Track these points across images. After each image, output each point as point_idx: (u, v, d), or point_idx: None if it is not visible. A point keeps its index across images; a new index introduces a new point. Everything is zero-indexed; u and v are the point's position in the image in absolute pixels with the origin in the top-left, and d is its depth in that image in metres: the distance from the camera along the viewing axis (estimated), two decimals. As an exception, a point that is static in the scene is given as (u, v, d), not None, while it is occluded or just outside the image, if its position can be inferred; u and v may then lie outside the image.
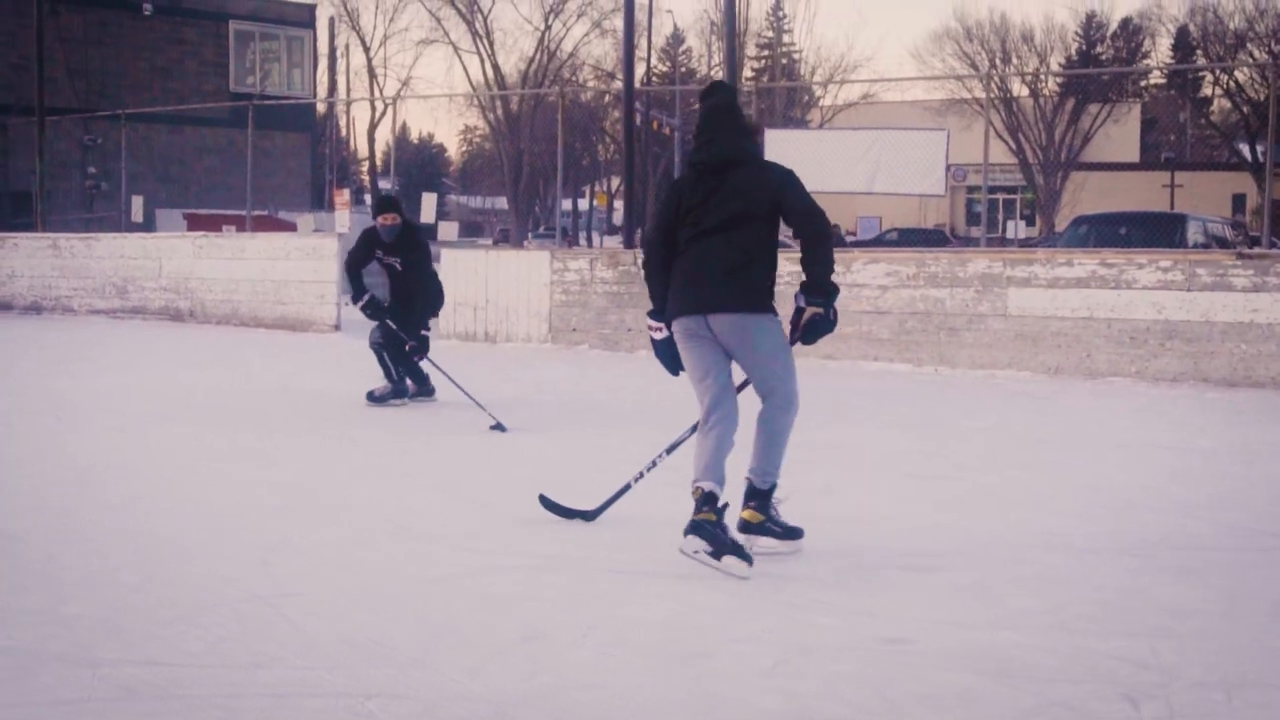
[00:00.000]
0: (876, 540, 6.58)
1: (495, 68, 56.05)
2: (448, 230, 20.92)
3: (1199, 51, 55.42)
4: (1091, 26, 63.34)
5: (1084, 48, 63.24)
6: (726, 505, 5.96)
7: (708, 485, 5.96)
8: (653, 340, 6.42)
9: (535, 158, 54.31)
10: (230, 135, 34.67)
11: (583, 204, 62.65)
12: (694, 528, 5.86)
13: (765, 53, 66.53)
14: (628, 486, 6.78)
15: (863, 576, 5.85)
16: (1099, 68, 60.92)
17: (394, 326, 11.03)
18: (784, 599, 5.49)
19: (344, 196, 22.65)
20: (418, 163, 77.41)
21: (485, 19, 55.84)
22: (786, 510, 6.34)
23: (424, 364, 11.20)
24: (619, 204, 57.87)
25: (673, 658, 4.73)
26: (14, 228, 26.02)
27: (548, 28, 56.30)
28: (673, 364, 6.37)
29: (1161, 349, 13.04)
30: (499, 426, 9.82)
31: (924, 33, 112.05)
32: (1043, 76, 54.15)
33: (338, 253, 18.87)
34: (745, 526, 6.16)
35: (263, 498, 7.46)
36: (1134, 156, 59.12)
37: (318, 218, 25.30)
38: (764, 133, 17.98)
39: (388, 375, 11.23)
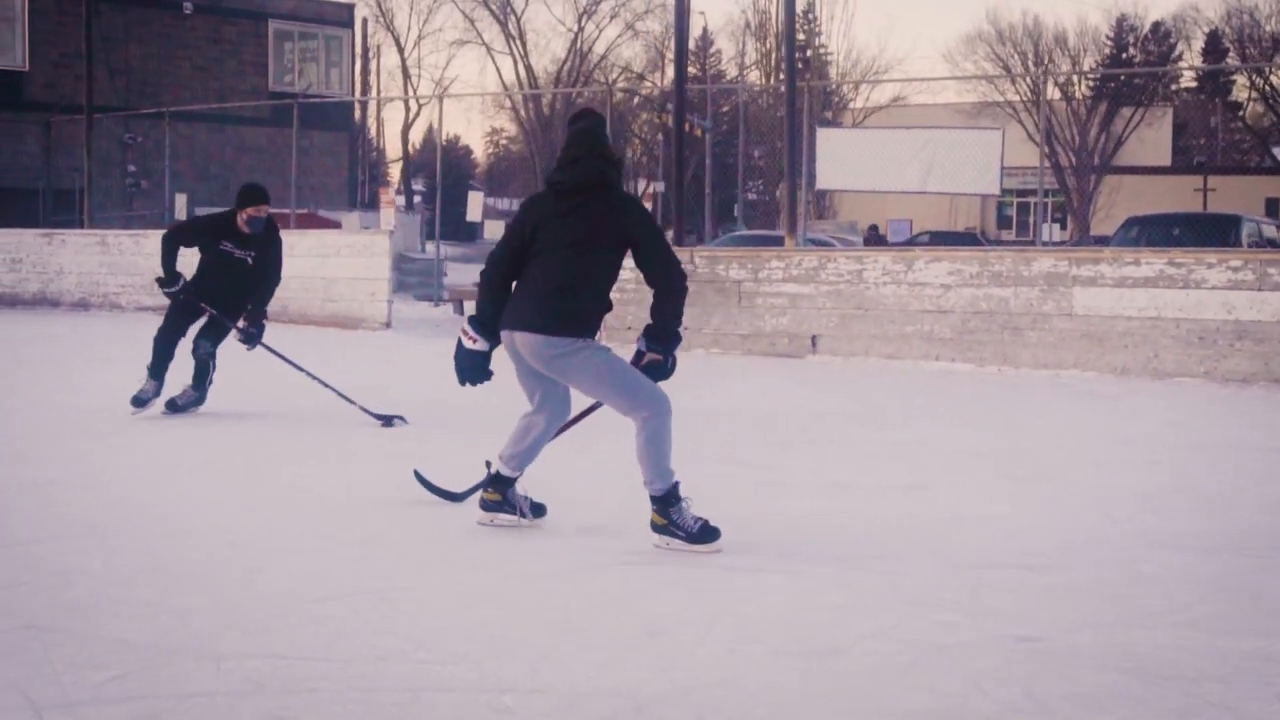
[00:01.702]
0: (984, 539, 6.46)
1: (528, 69, 56.05)
2: (494, 229, 20.88)
3: (1230, 55, 55.20)
4: (1123, 30, 63.03)
5: (1115, 51, 62.93)
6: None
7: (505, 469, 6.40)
8: (459, 343, 6.25)
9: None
10: (270, 134, 34.65)
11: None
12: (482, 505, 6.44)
13: (795, 54, 66.37)
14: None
15: (978, 575, 5.73)
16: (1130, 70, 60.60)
17: (216, 313, 10.10)
18: (903, 597, 5.38)
19: (389, 195, 22.61)
20: (444, 163, 77.47)
21: (518, 20, 55.90)
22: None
23: (266, 353, 10.23)
24: (647, 205, 57.85)
25: (804, 654, 4.63)
26: (56, 225, 26.03)
27: (580, 29, 56.29)
28: (468, 374, 6.27)
29: (1231, 349, 12.89)
30: (389, 420, 9.75)
31: (956, 35, 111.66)
32: (1075, 79, 53.93)
33: (389, 250, 18.81)
34: (654, 527, 6.11)
35: (352, 492, 7.37)
36: (1166, 160, 58.82)
37: (363, 216, 25.24)
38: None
39: (197, 383, 10.25)
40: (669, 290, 6.01)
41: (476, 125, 76.15)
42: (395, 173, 63.71)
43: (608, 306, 6.10)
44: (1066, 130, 52.83)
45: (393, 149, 64.32)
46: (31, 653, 4.55)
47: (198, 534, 6.26)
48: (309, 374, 10.25)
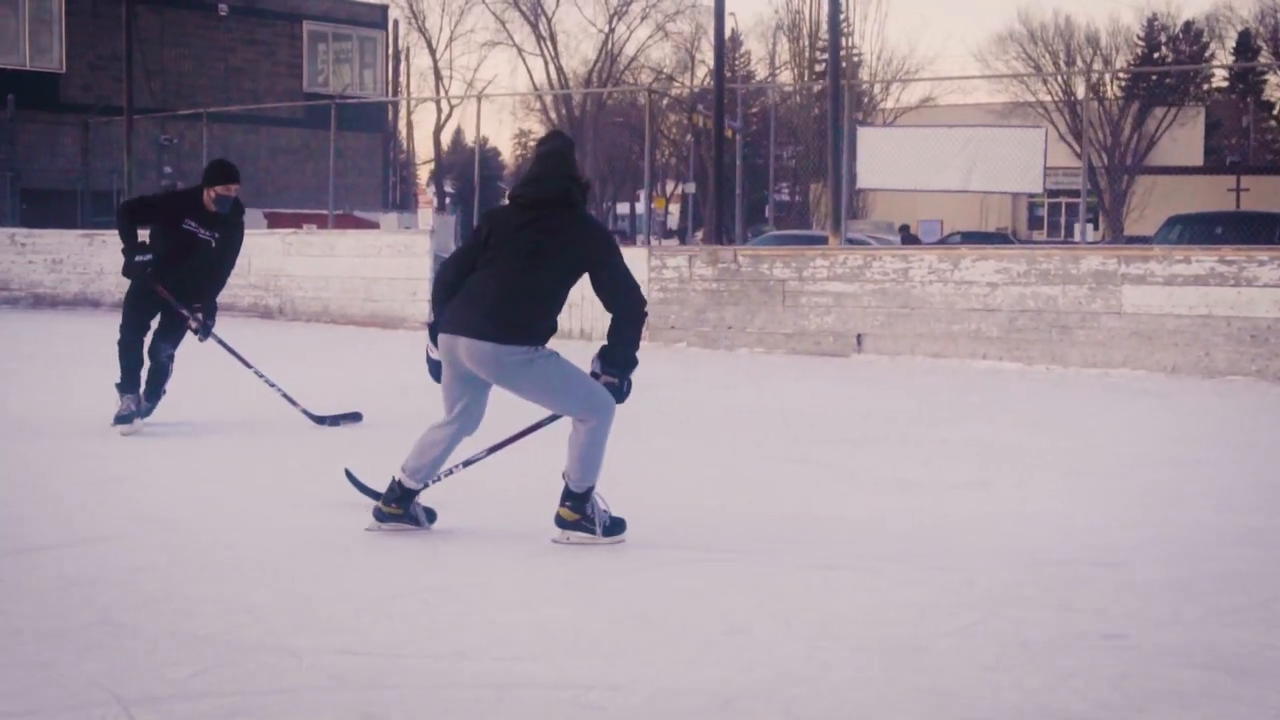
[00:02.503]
0: (1055, 536, 6.40)
1: (559, 70, 56.07)
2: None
3: (1262, 54, 54.84)
4: (1154, 29, 62.73)
5: (1146, 51, 62.65)
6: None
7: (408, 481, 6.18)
8: (428, 356, 6.16)
9: (597, 160, 54.22)
10: (304, 135, 34.71)
11: (635, 207, 62.53)
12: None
13: (824, 55, 66.27)
14: (450, 471, 6.42)
15: (1053, 572, 5.67)
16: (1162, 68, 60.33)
17: (173, 301, 9.32)
18: (980, 594, 5.31)
19: (429, 195, 22.60)
20: (473, 164, 77.50)
21: (549, 21, 55.93)
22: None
23: (216, 345, 9.65)
24: (674, 208, 57.82)
25: (886, 652, 4.58)
26: (94, 226, 26.07)
27: (611, 30, 56.27)
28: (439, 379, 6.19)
29: (1284, 347, 12.78)
30: (335, 421, 9.55)
31: (987, 35, 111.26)
32: (1107, 78, 53.65)
33: (429, 250, 18.78)
34: (561, 523, 6.04)
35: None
36: (1198, 160, 58.50)
37: (401, 217, 25.25)
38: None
39: (152, 389, 9.53)
40: (628, 317, 5.90)
41: (506, 127, 76.09)
42: (423, 174, 63.76)
43: (554, 327, 5.91)
44: (1099, 130, 52.60)
45: (423, 151, 64.39)
46: (110, 648, 4.53)
47: (263, 531, 6.22)
48: (256, 371, 9.75)
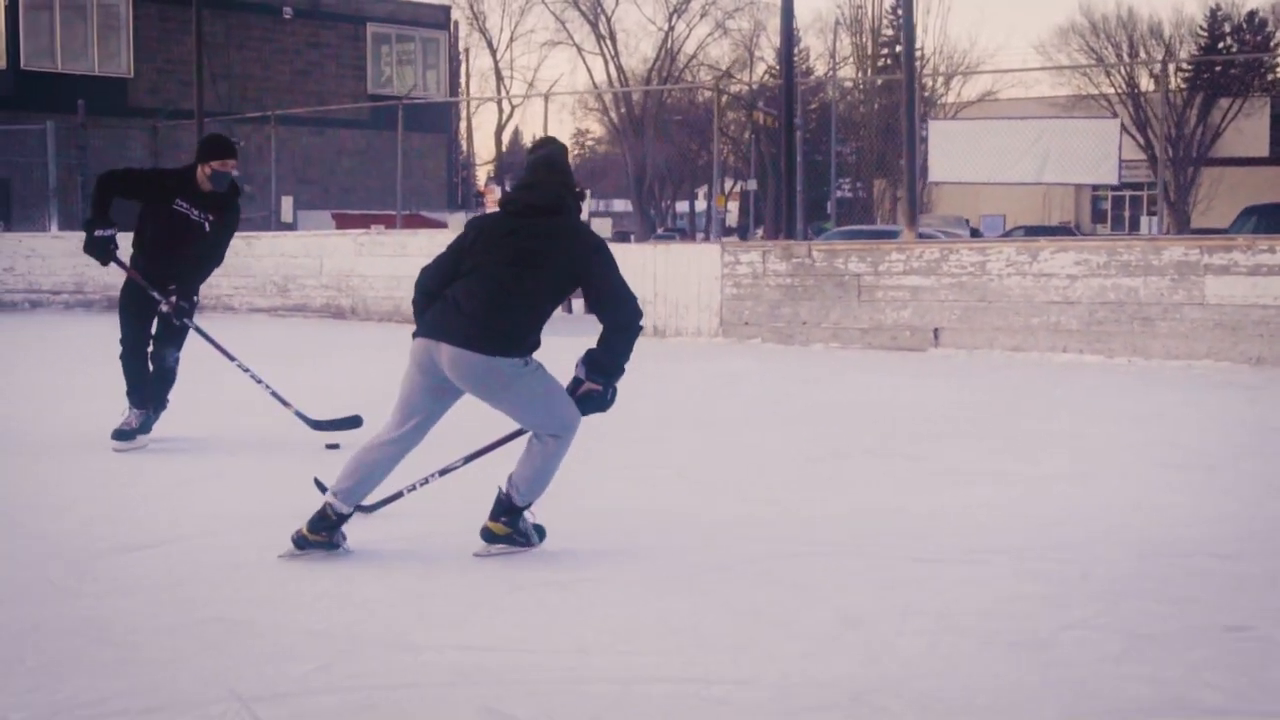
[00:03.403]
0: (1163, 528, 6.30)
1: (619, 69, 56.08)
2: (601, 227, 20.85)
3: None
4: (1217, 20, 62.04)
5: (1210, 42, 61.97)
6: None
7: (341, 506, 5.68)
8: None
9: (656, 159, 54.21)
10: (369, 137, 34.91)
11: (693, 206, 62.43)
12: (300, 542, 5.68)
13: (884, 50, 65.99)
14: (427, 480, 6.12)
15: (1168, 564, 5.59)
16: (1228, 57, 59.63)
17: (142, 283, 8.39)
18: (1097, 587, 5.25)
19: (495, 194, 22.63)
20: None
21: (609, 20, 55.92)
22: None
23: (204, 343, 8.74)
24: (732, 205, 57.70)
25: (1011, 645, 4.52)
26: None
27: (670, 28, 56.21)
28: None
29: (1372, 337, 12.59)
30: (330, 426, 8.65)
31: (1049, 28, 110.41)
32: (1171, 69, 53.13)
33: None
34: (490, 537, 5.72)
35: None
36: (1263, 151, 57.81)
37: (468, 217, 25.26)
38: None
39: (157, 398, 8.67)
40: (621, 327, 5.55)
41: (566, 126, 75.97)
42: (482, 175, 63.92)
43: (539, 341, 5.58)
44: (1163, 123, 52.08)
45: (483, 151, 64.59)
46: (226, 645, 4.53)
47: (367, 526, 6.20)
48: (242, 366, 8.81)
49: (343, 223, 27.32)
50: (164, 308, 8.34)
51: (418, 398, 5.61)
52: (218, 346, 8.77)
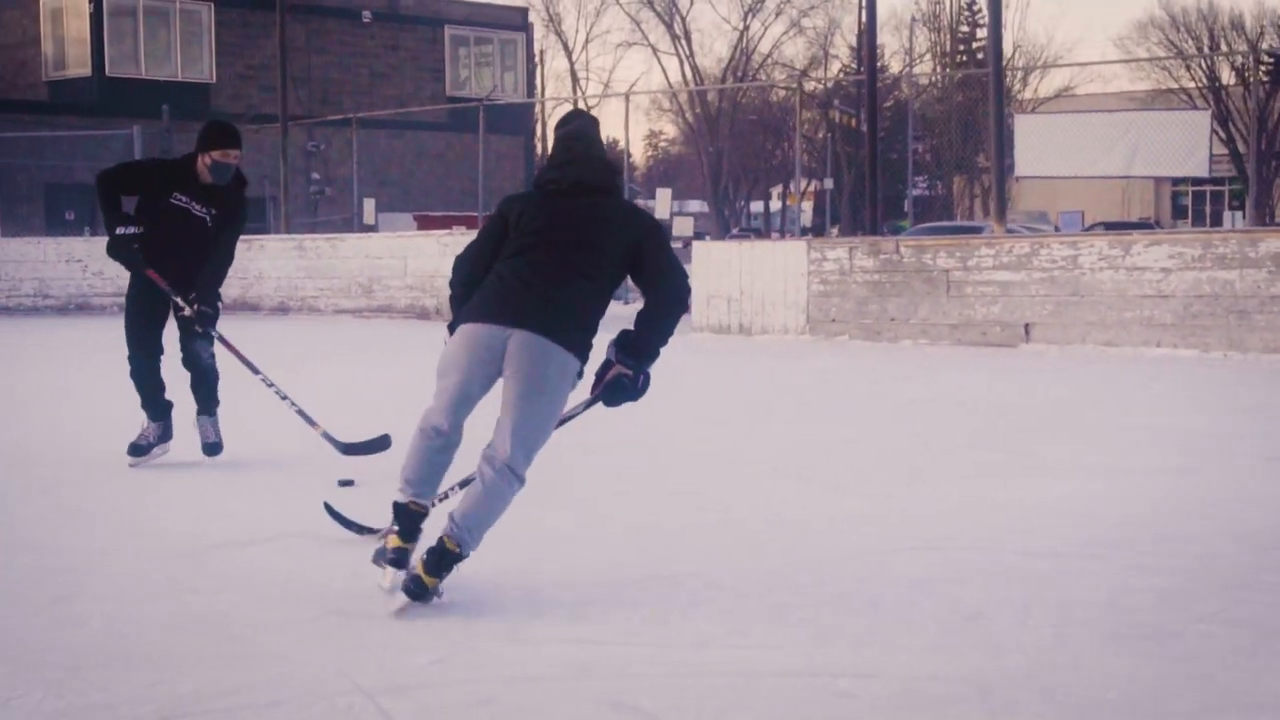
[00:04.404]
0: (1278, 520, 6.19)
1: (694, 69, 56.07)
2: (683, 225, 20.84)
3: None
4: (1296, 11, 61.15)
5: (1290, 33, 61.08)
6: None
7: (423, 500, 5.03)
8: None
9: (731, 159, 54.16)
10: (448, 139, 35.10)
11: (768, 205, 62.31)
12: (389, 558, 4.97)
13: (962, 47, 65.59)
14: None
15: (1293, 557, 5.49)
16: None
17: (165, 287, 7.68)
18: (1220, 579, 5.16)
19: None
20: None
21: (684, 20, 55.96)
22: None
23: (227, 354, 7.94)
24: (806, 204, 57.50)
25: (1138, 638, 4.43)
26: (246, 232, 26.48)
27: (746, 28, 56.16)
28: None
29: None
30: (352, 450, 7.74)
31: (1127, 22, 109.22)
32: (1253, 62, 52.36)
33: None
34: (414, 588, 4.76)
35: (620, 482, 7.30)
36: (1349, 145, 56.84)
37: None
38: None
39: (207, 400, 8.02)
40: (672, 299, 4.99)
41: (640, 127, 76.03)
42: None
43: (591, 344, 5.01)
44: (1244, 118, 51.37)
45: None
46: (343, 638, 4.52)
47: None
48: (266, 381, 7.93)
49: (424, 224, 27.47)
50: (187, 312, 7.63)
51: (471, 387, 4.93)
52: (243, 359, 7.97)
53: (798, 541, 5.89)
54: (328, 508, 5.99)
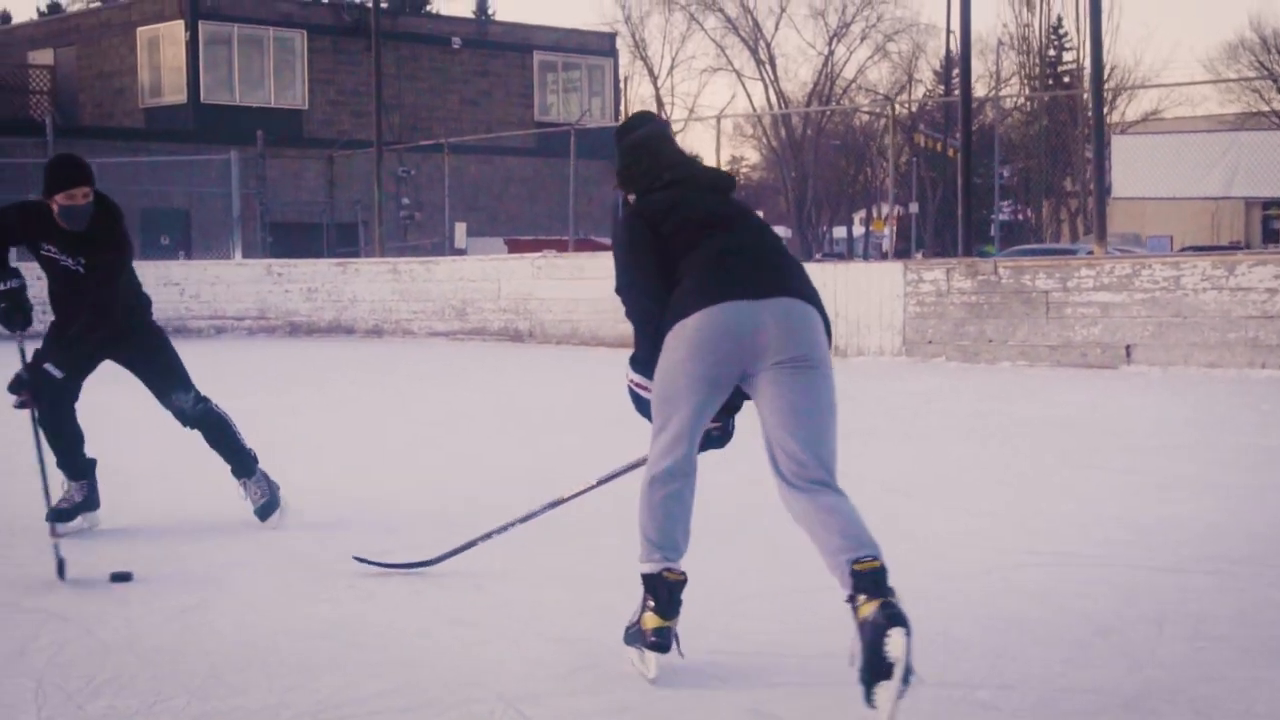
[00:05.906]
0: None
1: (779, 94, 56.02)
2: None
3: None
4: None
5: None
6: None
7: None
8: (634, 394, 4.42)
9: (815, 183, 54.06)
10: (536, 164, 35.26)
11: (850, 231, 62.09)
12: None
13: (1048, 70, 65.11)
14: (505, 527, 5.37)
15: None
16: None
17: (25, 359, 6.20)
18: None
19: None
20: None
21: (768, 45, 55.94)
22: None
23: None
24: (888, 230, 57.26)
25: (1276, 653, 4.38)
26: (341, 256, 26.75)
27: (830, 53, 56.06)
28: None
29: None
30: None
31: (1217, 44, 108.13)
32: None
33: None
34: (900, 620, 3.95)
35: (740, 497, 7.18)
36: None
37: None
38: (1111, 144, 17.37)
39: (232, 452, 6.76)
40: None
41: (723, 152, 75.98)
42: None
43: None
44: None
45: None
46: (474, 648, 4.55)
47: (564, 539, 6.14)
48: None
49: (515, 248, 27.58)
50: (21, 395, 6.16)
51: (707, 401, 4.19)
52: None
53: (913, 558, 5.84)
54: (360, 561, 5.69)
